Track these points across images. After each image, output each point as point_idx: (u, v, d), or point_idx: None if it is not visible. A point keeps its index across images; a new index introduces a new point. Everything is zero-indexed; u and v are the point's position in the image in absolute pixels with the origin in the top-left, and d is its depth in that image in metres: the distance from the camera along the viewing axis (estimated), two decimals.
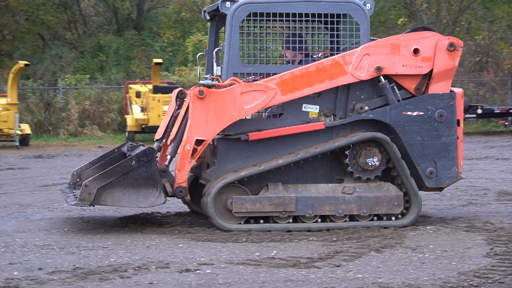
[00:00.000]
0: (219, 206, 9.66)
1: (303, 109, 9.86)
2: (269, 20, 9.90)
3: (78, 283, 7.20)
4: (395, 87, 9.93)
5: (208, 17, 10.71)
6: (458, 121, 10.06)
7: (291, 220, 9.73)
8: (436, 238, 9.22)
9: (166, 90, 27.26)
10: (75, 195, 9.80)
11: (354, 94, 9.90)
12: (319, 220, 9.78)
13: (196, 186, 10.41)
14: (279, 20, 9.97)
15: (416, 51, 9.88)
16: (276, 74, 9.77)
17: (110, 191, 9.50)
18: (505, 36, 39.30)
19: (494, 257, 8.14)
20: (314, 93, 9.85)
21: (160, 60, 28.60)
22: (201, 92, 9.48)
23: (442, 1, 38.75)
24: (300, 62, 10.11)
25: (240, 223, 9.71)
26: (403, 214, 9.92)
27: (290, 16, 9.93)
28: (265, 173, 9.78)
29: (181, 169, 9.68)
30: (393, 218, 9.87)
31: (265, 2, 9.94)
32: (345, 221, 9.78)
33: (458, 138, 10.07)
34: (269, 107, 10.00)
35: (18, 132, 26.30)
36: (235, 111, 9.56)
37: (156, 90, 27.96)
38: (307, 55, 10.34)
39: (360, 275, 7.42)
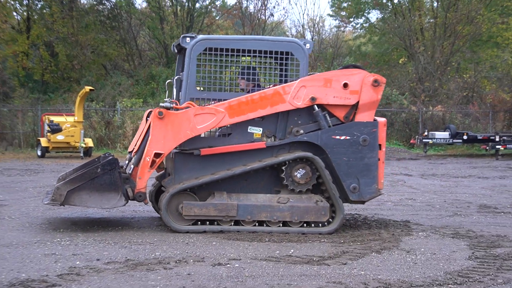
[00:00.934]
0: (172, 209, 9.67)
1: (249, 130, 9.88)
2: (222, 54, 9.91)
3: (129, 272, 7.22)
4: (326, 115, 9.89)
5: (175, 50, 10.75)
6: (380, 145, 10.02)
7: (232, 224, 9.72)
8: (427, 243, 9.16)
9: None
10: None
11: (292, 119, 9.89)
12: (257, 224, 9.76)
13: (161, 193, 10.39)
14: (231, 55, 9.99)
15: (345, 85, 9.86)
16: (226, 100, 9.80)
17: (78, 194, 9.47)
18: (488, 75, 39.09)
19: (475, 260, 8.10)
20: (258, 117, 9.84)
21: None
22: (161, 113, 9.53)
23: (436, 45, 38.65)
24: (252, 91, 10.07)
25: (189, 225, 9.68)
26: (329, 222, 9.83)
27: (241, 51, 10.00)
28: (214, 183, 9.81)
29: (141, 177, 9.69)
30: (320, 225, 9.80)
31: (219, 39, 10.08)
32: (279, 226, 9.74)
33: (379, 159, 10.00)
34: (220, 128, 9.99)
35: (83, 145, 26.47)
36: (189, 130, 9.58)
37: None
38: (258, 85, 10.33)
39: (362, 272, 7.40)
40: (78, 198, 9.50)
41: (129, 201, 9.75)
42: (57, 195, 9.44)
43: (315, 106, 9.82)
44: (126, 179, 9.71)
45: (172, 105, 9.77)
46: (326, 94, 9.82)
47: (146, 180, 9.72)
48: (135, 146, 10.08)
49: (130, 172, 9.80)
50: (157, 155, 9.61)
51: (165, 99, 10.08)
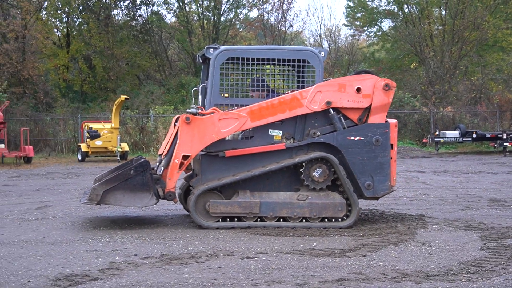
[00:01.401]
0: (199, 207, 9.68)
1: (269, 133, 9.88)
2: (244, 63, 9.90)
3: (164, 267, 7.23)
4: (341, 117, 9.87)
5: (200, 60, 10.72)
6: (392, 145, 9.97)
7: (258, 220, 9.72)
8: (441, 235, 9.08)
9: None
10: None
11: (310, 122, 9.86)
12: (281, 220, 9.75)
13: (189, 193, 10.35)
14: (252, 64, 9.96)
15: (358, 90, 9.83)
16: (248, 105, 9.80)
17: (113, 194, 9.55)
18: (495, 77, 38.76)
19: (486, 250, 8.03)
20: (277, 121, 9.83)
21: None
22: (188, 118, 9.57)
23: (445, 50, 38.37)
24: (267, 97, 10.06)
25: (217, 221, 9.68)
26: (347, 216, 9.79)
27: (260, 60, 9.97)
28: (238, 182, 9.80)
29: (170, 178, 9.74)
30: (340, 219, 9.76)
31: (240, 49, 10.15)
32: (300, 221, 9.72)
33: (391, 158, 9.95)
34: (242, 131, 9.96)
35: (119, 149, 26.57)
36: (214, 133, 9.61)
37: None
38: (272, 91, 10.34)
39: (381, 263, 7.35)
40: (113, 197, 9.57)
41: (160, 200, 9.78)
42: (94, 195, 9.51)
43: (331, 109, 9.79)
44: (157, 180, 9.75)
45: (198, 111, 9.80)
46: (341, 98, 9.80)
47: (175, 180, 9.76)
48: (164, 149, 10.10)
49: (160, 173, 9.83)
50: (185, 157, 9.64)
51: (191, 105, 10.11)
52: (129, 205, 9.87)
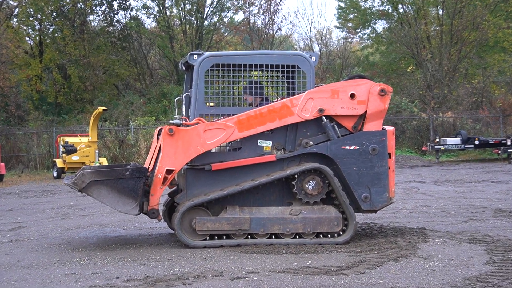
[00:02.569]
0: (185, 225, 9.66)
1: (258, 144, 9.85)
2: (230, 70, 9.88)
3: None
4: (335, 125, 9.87)
5: (183, 68, 10.71)
6: (389, 154, 9.96)
7: (248, 237, 9.70)
8: (444, 249, 9.09)
9: None
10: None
11: (302, 131, 9.86)
12: (273, 236, 9.72)
13: (174, 209, 10.37)
14: (238, 70, 9.95)
15: (352, 96, 9.84)
16: (235, 114, 9.80)
17: (99, 187, 9.48)
18: (497, 80, 38.99)
19: (493, 264, 8.04)
20: (267, 131, 9.82)
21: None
22: (171, 130, 9.54)
23: (443, 52, 38.58)
24: (260, 105, 10.06)
25: (205, 240, 9.66)
26: (343, 231, 9.78)
27: (247, 66, 9.97)
28: (227, 197, 9.78)
29: (153, 194, 9.70)
30: (336, 235, 9.75)
31: (225, 55, 10.11)
32: (294, 238, 9.70)
33: (389, 168, 9.93)
34: (229, 142, 9.94)
35: (98, 164, 26.50)
36: (199, 145, 9.59)
37: None
38: (266, 99, 10.33)
39: (381, 281, 7.35)
40: (98, 191, 9.51)
41: (141, 213, 9.75)
42: (80, 181, 9.45)
43: (323, 117, 9.80)
44: (147, 192, 9.72)
45: (181, 122, 9.77)
46: (334, 105, 9.80)
47: (158, 197, 9.73)
48: (149, 165, 10.06)
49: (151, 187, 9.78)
50: (169, 171, 9.61)
51: (174, 116, 10.09)
52: (110, 206, 9.70)
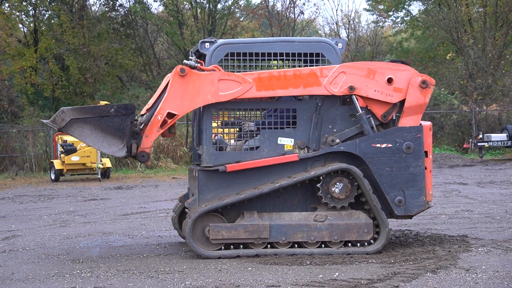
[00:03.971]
0: (198, 233, 9.65)
1: (279, 142, 9.82)
2: (246, 59, 9.89)
3: None
4: (371, 118, 9.86)
5: (194, 57, 10.70)
6: (426, 152, 9.90)
7: (268, 246, 9.68)
8: (488, 259, 9.06)
9: None
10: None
11: (327, 127, 9.82)
12: (296, 246, 9.70)
13: (185, 215, 10.44)
14: (256, 60, 9.95)
15: (390, 80, 9.79)
16: (252, 109, 10.01)
17: (81, 126, 9.42)
18: None
19: None
20: (287, 96, 9.84)
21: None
22: (183, 70, 9.54)
23: (487, 37, 38.41)
24: (280, 98, 10.10)
25: (219, 249, 9.66)
26: (374, 239, 9.76)
27: (266, 55, 9.97)
28: (244, 202, 9.77)
29: (148, 136, 9.66)
30: (366, 243, 9.73)
31: (241, 43, 10.04)
32: (318, 247, 9.68)
33: (426, 168, 9.88)
34: (246, 139, 10.00)
35: (100, 166, 26.65)
36: (210, 94, 9.58)
37: None
38: None
39: None
40: (79, 130, 9.46)
41: (129, 156, 9.70)
42: (59, 119, 9.39)
43: (359, 108, 9.78)
44: (135, 133, 9.66)
45: (197, 65, 9.72)
46: (367, 86, 9.76)
47: (152, 140, 9.72)
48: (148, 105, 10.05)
49: (140, 128, 9.75)
50: (170, 115, 9.61)
51: (190, 57, 10.02)
52: (93, 146, 9.67)
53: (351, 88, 9.70)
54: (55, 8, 41.50)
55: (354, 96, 9.80)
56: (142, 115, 10.03)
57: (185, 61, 9.75)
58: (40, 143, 33.42)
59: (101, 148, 9.61)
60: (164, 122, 9.61)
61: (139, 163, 30.86)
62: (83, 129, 9.44)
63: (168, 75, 9.89)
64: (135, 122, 9.73)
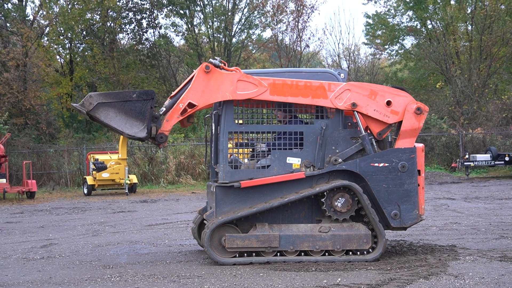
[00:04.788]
0: (215, 242, 9.67)
1: (287, 161, 9.81)
2: None
3: None
4: (373, 139, 9.86)
5: (219, 58, 10.71)
6: (419, 171, 9.89)
7: (278, 254, 9.68)
8: (475, 267, 9.01)
9: None
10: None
11: (330, 148, 9.80)
12: (303, 254, 9.70)
13: (203, 226, 10.51)
14: None
15: (389, 103, 9.84)
16: (264, 132, 10.11)
17: (106, 109, 9.44)
18: None
19: None
20: (296, 104, 9.84)
21: None
22: (208, 67, 9.65)
23: (472, 68, 38.39)
24: (290, 122, 10.10)
25: (234, 257, 9.65)
26: (373, 248, 9.73)
27: None
28: (256, 215, 9.77)
29: (168, 120, 9.75)
30: (365, 252, 9.70)
31: (254, 73, 10.00)
32: (323, 255, 9.66)
33: (419, 185, 9.86)
34: (258, 158, 9.99)
35: (127, 181, 26.67)
36: (228, 92, 9.67)
37: None
38: (295, 117, 10.29)
39: None
40: (105, 113, 9.47)
41: (149, 137, 9.68)
42: (87, 103, 9.41)
43: (363, 130, 9.79)
44: (155, 117, 9.68)
45: (220, 64, 9.82)
46: (368, 105, 9.80)
47: (171, 124, 9.78)
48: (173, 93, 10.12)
49: (161, 113, 9.82)
50: (191, 105, 9.68)
51: (216, 57, 10.07)
52: (117, 127, 9.57)
53: (354, 104, 9.75)
54: (89, 42, 41.72)
55: (358, 116, 9.82)
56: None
57: (210, 59, 9.85)
58: (74, 161, 33.51)
59: (124, 130, 9.56)
60: (184, 111, 9.71)
61: (162, 179, 30.92)
62: (108, 112, 9.48)
63: (194, 70, 9.95)
64: (155, 107, 9.77)
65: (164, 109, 9.86)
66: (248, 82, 9.68)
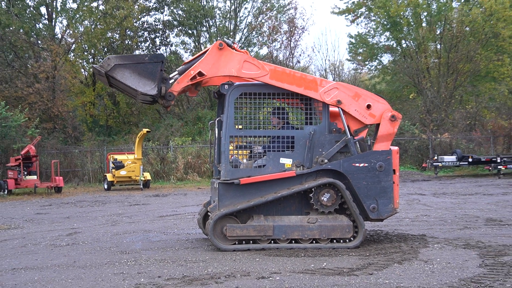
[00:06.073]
0: (217, 231, 9.66)
1: (281, 161, 9.79)
2: (256, 98, 9.88)
3: (186, 287, 7.22)
4: (357, 143, 9.86)
5: (216, 96, 10.72)
6: (394, 170, 9.89)
7: (272, 242, 9.67)
8: (442, 253, 9.01)
9: None
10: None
11: (317, 150, 9.79)
12: (293, 242, 9.69)
13: (208, 217, 10.56)
14: (263, 98, 9.96)
15: (369, 106, 9.88)
16: (260, 136, 10.11)
17: (123, 70, 9.38)
18: (488, 105, 38.65)
19: (485, 267, 7.95)
20: (289, 91, 9.79)
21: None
22: (221, 44, 9.73)
23: (441, 81, 38.38)
24: (283, 128, 10.09)
25: (234, 244, 9.64)
26: (354, 237, 9.72)
27: (271, 95, 9.97)
28: (253, 208, 9.74)
29: (179, 82, 9.77)
30: (347, 240, 9.69)
31: (252, 85, 9.97)
32: (311, 243, 9.64)
33: (394, 182, 9.87)
34: (255, 158, 9.95)
35: (142, 178, 26.67)
36: (234, 69, 9.75)
37: None
38: (287, 123, 10.28)
39: (387, 281, 7.30)
40: (121, 73, 9.41)
41: (159, 96, 9.60)
42: (106, 64, 9.38)
43: (349, 133, 9.77)
44: (164, 79, 9.67)
45: (233, 45, 9.90)
46: (351, 104, 9.82)
47: (181, 86, 9.77)
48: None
49: (173, 76, 9.84)
50: (200, 74, 9.68)
51: (229, 38, 10.07)
52: (132, 86, 9.48)
53: (339, 101, 9.78)
54: None
55: (341, 113, 9.80)
56: None
57: (224, 38, 9.89)
58: (96, 161, 33.49)
59: (138, 88, 9.47)
60: (194, 77, 9.72)
61: (172, 176, 30.86)
62: (124, 72, 9.43)
63: (209, 45, 9.99)
64: (164, 69, 9.76)
65: (177, 72, 9.93)
66: (253, 64, 9.77)
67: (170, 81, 9.82)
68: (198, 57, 9.99)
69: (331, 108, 9.94)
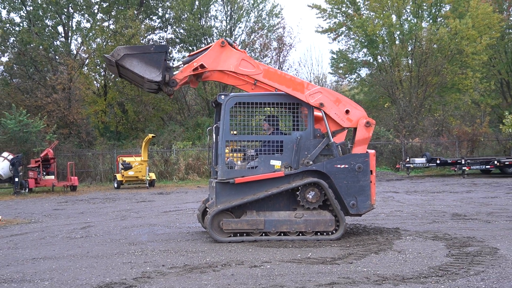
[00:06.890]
0: (215, 225, 9.65)
1: (271, 163, 9.79)
2: (249, 107, 9.86)
3: (187, 275, 7.21)
4: (339, 147, 9.86)
5: (213, 105, 10.77)
6: (371, 171, 9.90)
7: (263, 234, 9.68)
8: (413, 244, 9.03)
9: None
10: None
11: (303, 153, 9.78)
12: (282, 234, 9.69)
13: (206, 213, 10.57)
14: (256, 107, 9.95)
15: (347, 111, 9.92)
16: (253, 141, 10.04)
17: (131, 59, 9.38)
18: (453, 114, 38.82)
19: (451, 257, 7.99)
20: (279, 91, 9.79)
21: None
22: (223, 42, 9.78)
23: (412, 92, 38.50)
24: (272, 133, 10.09)
25: (230, 236, 9.63)
26: (336, 230, 9.73)
27: (263, 104, 10.02)
28: (246, 204, 9.73)
29: (182, 72, 9.81)
30: (330, 233, 9.71)
31: (246, 95, 10.00)
32: (298, 235, 9.66)
33: (371, 182, 9.88)
34: (248, 161, 9.92)
35: (148, 178, 26.61)
36: (232, 65, 9.80)
37: None
38: (277, 129, 10.25)
39: (365, 269, 7.32)
40: (130, 62, 9.38)
41: (163, 82, 9.61)
42: (116, 53, 9.36)
43: (331, 138, 9.77)
44: (168, 67, 9.66)
45: (233, 44, 9.93)
46: (332, 108, 9.86)
47: (184, 75, 9.81)
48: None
49: (177, 65, 9.83)
50: (202, 66, 9.70)
51: (231, 38, 10.07)
52: (139, 73, 9.45)
53: (321, 104, 9.81)
54: None
55: (324, 115, 9.80)
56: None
57: (226, 38, 9.91)
58: (107, 162, 33.39)
59: (145, 75, 9.46)
60: (196, 69, 9.73)
61: (174, 176, 30.78)
62: (132, 61, 9.42)
63: (212, 43, 10.01)
64: (169, 59, 9.75)
65: (182, 62, 10.00)
66: (249, 62, 9.84)
67: (174, 73, 9.86)
68: (201, 51, 10.04)
69: (315, 113, 9.94)
